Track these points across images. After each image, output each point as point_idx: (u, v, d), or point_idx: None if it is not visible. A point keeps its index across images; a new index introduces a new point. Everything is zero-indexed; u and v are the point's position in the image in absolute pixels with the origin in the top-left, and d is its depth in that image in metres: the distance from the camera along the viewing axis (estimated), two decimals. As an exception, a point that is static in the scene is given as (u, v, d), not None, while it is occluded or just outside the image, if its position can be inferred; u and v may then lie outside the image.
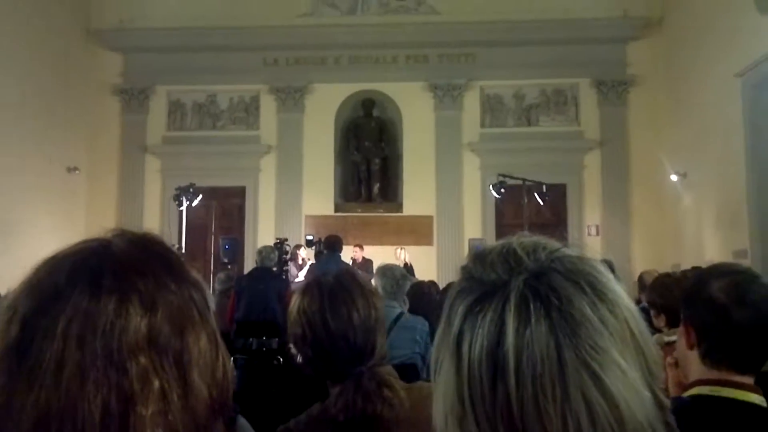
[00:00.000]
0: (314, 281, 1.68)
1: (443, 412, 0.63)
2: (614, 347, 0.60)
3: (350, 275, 1.73)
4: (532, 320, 0.59)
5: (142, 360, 0.66)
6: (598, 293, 0.62)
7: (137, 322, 0.67)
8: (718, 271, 1.55)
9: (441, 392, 0.64)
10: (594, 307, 0.61)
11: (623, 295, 0.64)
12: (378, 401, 1.50)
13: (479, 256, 0.67)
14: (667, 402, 0.63)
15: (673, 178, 11.08)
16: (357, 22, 12.55)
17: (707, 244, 10.13)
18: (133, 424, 0.64)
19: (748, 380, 1.47)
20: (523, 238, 0.68)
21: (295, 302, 1.65)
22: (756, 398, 1.44)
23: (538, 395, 0.57)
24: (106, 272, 0.68)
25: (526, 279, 0.62)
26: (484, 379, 0.60)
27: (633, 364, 0.60)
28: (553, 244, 0.66)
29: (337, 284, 1.64)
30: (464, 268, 0.67)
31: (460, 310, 0.64)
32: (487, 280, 0.64)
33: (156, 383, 0.66)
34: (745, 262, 8.37)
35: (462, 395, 0.61)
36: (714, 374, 1.46)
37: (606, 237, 11.78)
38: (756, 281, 1.50)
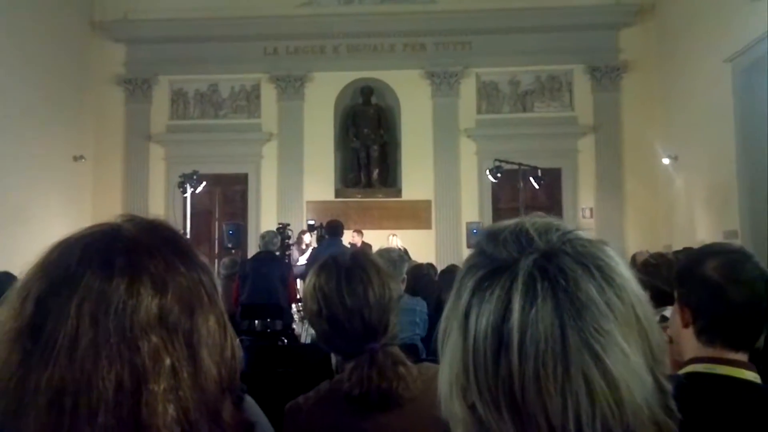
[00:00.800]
0: (331, 260, 1.69)
1: (448, 380, 0.64)
2: (618, 331, 0.59)
3: (365, 256, 1.75)
4: (539, 299, 0.59)
5: (154, 339, 0.66)
6: (606, 277, 0.61)
7: (148, 302, 0.67)
8: (712, 250, 1.55)
9: (447, 361, 0.64)
10: (601, 291, 0.60)
11: (632, 280, 0.64)
12: (393, 377, 1.51)
13: (492, 233, 0.67)
14: (669, 387, 0.63)
15: (665, 161, 11.09)
16: (355, 11, 12.47)
17: (699, 225, 10.15)
18: (145, 399, 0.64)
19: (743, 357, 1.46)
20: (537, 219, 0.67)
21: (310, 280, 1.66)
22: (750, 375, 1.44)
23: (539, 372, 0.58)
24: (117, 254, 0.69)
25: (535, 259, 0.62)
26: (488, 353, 0.60)
27: (637, 348, 0.60)
28: (566, 226, 0.66)
29: (353, 263, 1.66)
30: (477, 244, 0.68)
31: (470, 284, 0.64)
32: (498, 257, 0.64)
33: (167, 361, 0.66)
34: (736, 243, 8.38)
35: (467, 366, 0.61)
36: (709, 352, 1.46)
37: (600, 219, 11.79)
38: (749, 260, 1.50)
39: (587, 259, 0.62)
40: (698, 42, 10.06)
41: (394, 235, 10.67)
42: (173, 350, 0.67)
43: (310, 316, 1.65)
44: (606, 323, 0.59)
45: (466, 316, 0.62)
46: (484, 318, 0.61)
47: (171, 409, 0.65)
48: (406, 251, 9.45)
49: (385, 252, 3.99)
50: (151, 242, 0.72)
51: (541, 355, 0.58)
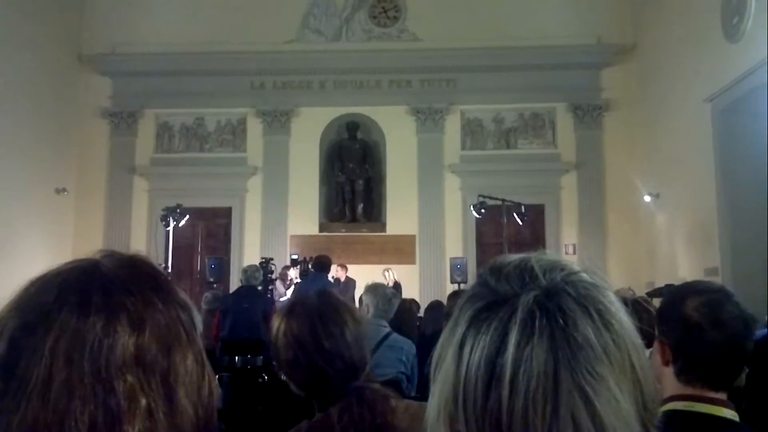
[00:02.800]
0: (297, 303, 1.65)
1: (437, 406, 0.64)
2: (611, 376, 0.59)
3: (330, 293, 1.71)
4: (535, 336, 0.59)
5: (130, 378, 0.65)
6: (605, 322, 0.61)
7: (125, 340, 0.66)
8: (693, 289, 1.54)
9: (438, 388, 0.64)
10: (598, 334, 0.60)
11: (630, 327, 0.63)
12: (387, 411, 1.49)
13: (496, 266, 0.67)
14: None
15: (647, 198, 11.21)
16: (341, 48, 12.65)
17: (680, 262, 10.22)
18: None
19: (722, 396, 1.46)
20: (543, 256, 0.67)
21: (279, 326, 1.61)
22: (728, 413, 1.44)
23: (528, 409, 0.57)
24: (94, 291, 0.68)
25: (536, 295, 0.62)
26: (479, 384, 0.60)
27: (629, 396, 0.60)
28: (572, 266, 0.66)
29: (323, 304, 1.62)
30: (481, 275, 0.67)
31: (468, 314, 0.64)
32: (500, 290, 0.64)
33: (143, 401, 0.65)
34: (717, 280, 8.45)
35: (457, 394, 0.61)
36: (688, 390, 1.46)
37: (582, 256, 11.85)
38: (729, 300, 1.50)
39: (588, 301, 0.62)
40: (678, 82, 10.27)
41: (388, 270, 10.61)
42: (149, 390, 0.66)
43: (284, 366, 1.59)
44: (600, 367, 0.59)
45: (461, 345, 0.62)
46: (479, 349, 0.61)
47: None
48: (399, 287, 9.44)
49: (380, 288, 3.95)
50: (129, 279, 0.71)
51: (532, 393, 0.57)
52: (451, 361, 0.63)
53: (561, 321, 0.60)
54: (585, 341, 0.59)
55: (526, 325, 0.60)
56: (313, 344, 1.55)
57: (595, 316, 0.61)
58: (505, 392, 0.58)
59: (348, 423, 1.47)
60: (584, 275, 0.65)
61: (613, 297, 0.65)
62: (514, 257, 0.68)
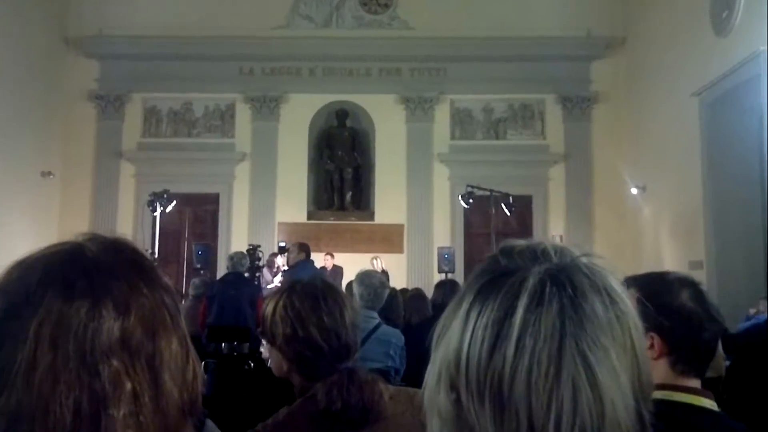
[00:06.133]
0: (298, 282, 1.70)
1: (438, 370, 0.65)
2: (614, 350, 0.61)
3: (328, 281, 1.78)
4: (545, 302, 0.61)
5: (115, 362, 0.65)
6: (612, 299, 0.63)
7: (110, 324, 0.66)
8: (679, 280, 1.52)
9: (440, 353, 0.66)
10: (605, 309, 0.62)
11: (633, 309, 0.66)
12: (376, 393, 1.52)
13: (506, 247, 0.69)
14: (649, 421, 0.64)
15: (633, 191, 11.28)
16: (332, 35, 12.57)
17: (665, 254, 10.31)
18: (104, 425, 0.63)
19: (697, 384, 1.48)
20: (555, 242, 0.70)
21: (277, 303, 1.65)
22: (707, 402, 1.45)
23: (532, 368, 0.59)
24: (79, 275, 0.67)
25: (548, 268, 0.64)
26: (485, 344, 0.61)
27: (626, 373, 0.62)
28: (584, 251, 0.68)
29: (326, 285, 1.69)
30: (491, 256, 0.69)
31: (477, 286, 0.66)
32: (511, 265, 0.66)
33: (128, 385, 0.65)
34: (701, 273, 8.54)
35: (460, 356, 0.63)
36: (669, 379, 1.46)
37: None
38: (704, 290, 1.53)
39: (597, 278, 0.64)
40: (666, 76, 10.31)
41: (376, 258, 10.62)
42: (134, 374, 0.66)
43: (279, 339, 1.62)
44: (604, 338, 0.61)
45: (468, 311, 0.64)
46: (487, 311, 0.63)
47: None
48: (387, 275, 9.44)
49: (366, 277, 3.83)
50: (114, 263, 0.71)
51: (537, 354, 0.59)
52: (457, 327, 0.64)
53: (570, 290, 0.62)
54: (592, 312, 0.61)
55: (536, 290, 0.62)
56: (313, 318, 1.60)
57: (603, 292, 0.63)
58: (511, 350, 0.60)
59: (336, 397, 1.49)
60: (596, 259, 0.67)
61: (618, 280, 0.67)
62: (525, 241, 0.70)
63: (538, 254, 0.66)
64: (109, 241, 0.75)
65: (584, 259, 0.66)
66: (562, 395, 0.58)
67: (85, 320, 0.65)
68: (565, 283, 0.62)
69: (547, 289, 0.62)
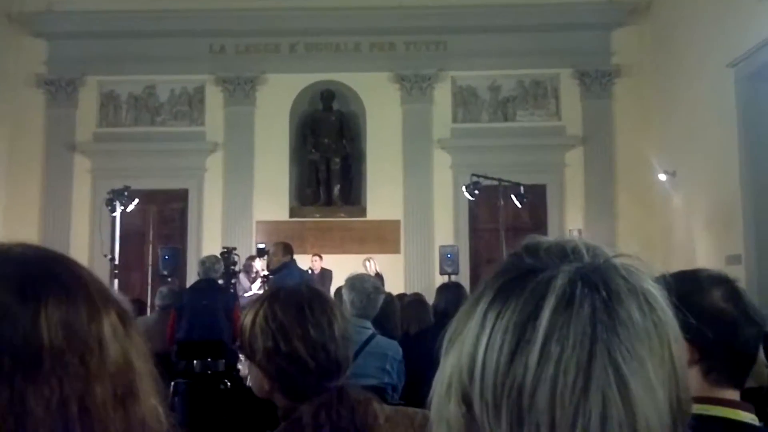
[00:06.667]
0: (282, 290, 1.71)
1: (448, 378, 0.65)
2: (650, 361, 0.61)
3: (315, 287, 1.79)
4: (575, 304, 0.61)
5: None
6: (650, 305, 0.64)
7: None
8: (709, 278, 1.52)
9: (451, 359, 0.66)
10: (643, 315, 0.62)
11: (672, 318, 0.66)
12: (369, 415, 1.53)
13: (531, 244, 0.69)
14: None
15: (662, 177, 11.28)
16: (315, 5, 12.50)
17: (699, 249, 10.32)
18: None
19: (736, 396, 1.47)
20: (587, 240, 0.71)
21: (257, 313, 1.65)
22: (747, 416, 1.44)
23: (557, 378, 0.59)
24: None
25: (579, 267, 0.64)
26: (505, 349, 0.61)
27: (663, 389, 0.62)
28: (619, 251, 0.69)
29: (313, 293, 1.69)
30: (513, 254, 0.70)
31: (497, 284, 0.66)
32: (536, 263, 0.66)
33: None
34: (738, 269, 8.55)
35: (475, 362, 0.63)
36: (715, 391, 1.46)
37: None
38: (744, 291, 1.51)
39: (634, 280, 0.64)
40: (698, 45, 10.31)
41: (369, 259, 10.64)
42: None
43: (259, 354, 1.63)
44: (641, 348, 0.61)
45: (486, 313, 0.64)
46: (509, 312, 0.63)
47: None
48: (382, 278, 9.44)
49: (358, 281, 3.87)
50: (41, 276, 0.68)
51: (564, 362, 0.59)
52: (473, 330, 0.65)
53: (604, 292, 0.62)
54: (628, 318, 0.62)
55: (566, 291, 0.62)
56: (298, 330, 1.60)
57: (641, 296, 0.63)
58: (534, 357, 0.60)
59: (324, 420, 1.50)
60: (630, 260, 0.68)
61: (656, 285, 0.67)
62: (551, 238, 0.70)
63: (568, 252, 0.66)
64: (36, 251, 0.72)
65: (621, 258, 0.67)
66: (590, 410, 0.58)
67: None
68: (599, 285, 0.63)
69: (578, 290, 0.62)
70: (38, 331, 0.65)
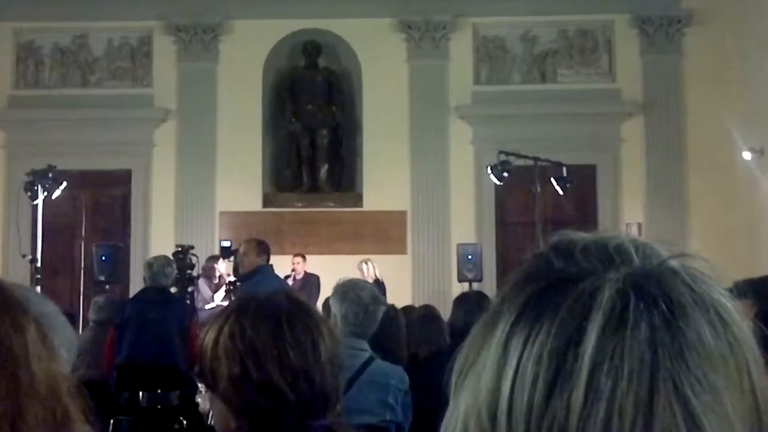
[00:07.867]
0: (252, 299, 1.71)
1: (462, 420, 0.65)
2: (727, 392, 0.61)
3: (300, 299, 1.80)
4: (629, 323, 0.60)
5: None
6: (723, 321, 0.63)
7: None
8: None
9: (465, 398, 0.65)
10: (715, 333, 0.62)
11: (749, 335, 0.65)
12: None
13: (563, 243, 0.69)
14: None
15: (747, 155, 11.29)
16: (295, -70, 12.54)
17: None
18: None
19: None
20: (635, 236, 0.70)
21: (222, 329, 1.65)
22: None
23: (611, 420, 0.58)
24: None
25: (629, 273, 0.63)
26: (539, 385, 0.60)
27: (743, 424, 0.61)
28: (679, 247, 0.68)
29: (293, 304, 1.69)
30: (538, 255, 0.69)
31: (522, 298, 0.65)
32: (571, 269, 0.65)
33: None
34: None
35: (498, 403, 0.62)
36: None
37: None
38: None
39: (702, 289, 0.64)
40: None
41: (367, 261, 10.68)
42: None
43: (225, 386, 1.63)
44: (714, 377, 0.60)
45: (508, 339, 0.63)
46: (540, 338, 0.62)
47: None
48: (382, 286, 9.47)
49: (352, 290, 3.88)
50: None
51: (619, 399, 0.58)
52: (493, 359, 0.64)
53: (664, 306, 0.61)
54: (698, 340, 0.61)
55: (615, 308, 0.61)
56: (273, 353, 1.60)
57: (711, 310, 0.62)
58: (579, 394, 0.59)
59: None
60: (698, 260, 0.67)
61: (725, 292, 0.66)
62: (587, 234, 0.70)
63: (611, 253, 0.65)
64: None
65: (684, 261, 0.66)
66: None
67: None
68: (657, 297, 0.61)
69: (631, 305, 0.61)
70: None
